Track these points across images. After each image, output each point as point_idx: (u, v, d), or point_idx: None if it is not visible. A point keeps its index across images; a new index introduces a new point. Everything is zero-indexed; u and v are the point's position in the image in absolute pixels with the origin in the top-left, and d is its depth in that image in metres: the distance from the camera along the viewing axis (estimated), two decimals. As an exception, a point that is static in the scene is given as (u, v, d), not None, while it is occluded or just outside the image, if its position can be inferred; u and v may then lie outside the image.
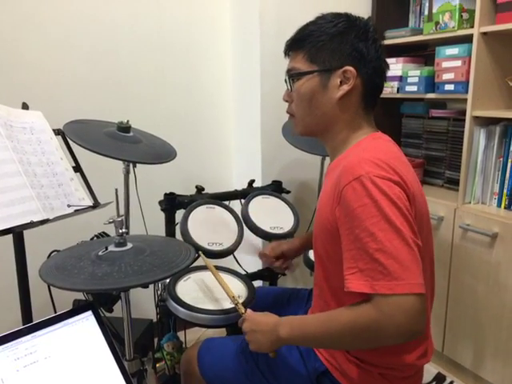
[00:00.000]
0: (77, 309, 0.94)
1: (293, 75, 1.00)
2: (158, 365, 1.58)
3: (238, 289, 1.42)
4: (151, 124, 1.72)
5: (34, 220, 1.03)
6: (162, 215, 1.73)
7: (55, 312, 1.34)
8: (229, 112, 2.22)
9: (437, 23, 1.81)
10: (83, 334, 0.93)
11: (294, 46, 1.00)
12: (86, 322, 0.94)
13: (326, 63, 0.95)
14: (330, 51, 0.95)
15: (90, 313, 0.96)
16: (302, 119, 1.03)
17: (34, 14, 1.74)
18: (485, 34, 1.64)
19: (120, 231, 1.06)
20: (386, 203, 0.80)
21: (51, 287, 1.27)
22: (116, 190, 1.07)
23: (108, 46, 1.90)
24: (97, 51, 1.88)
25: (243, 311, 1.06)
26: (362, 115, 0.99)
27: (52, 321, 0.90)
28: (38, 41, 1.77)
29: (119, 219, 1.06)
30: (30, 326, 0.87)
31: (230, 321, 1.26)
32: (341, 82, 0.95)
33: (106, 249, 1.05)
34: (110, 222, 1.07)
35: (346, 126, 0.99)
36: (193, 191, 1.77)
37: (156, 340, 1.82)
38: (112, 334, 1.01)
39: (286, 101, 1.06)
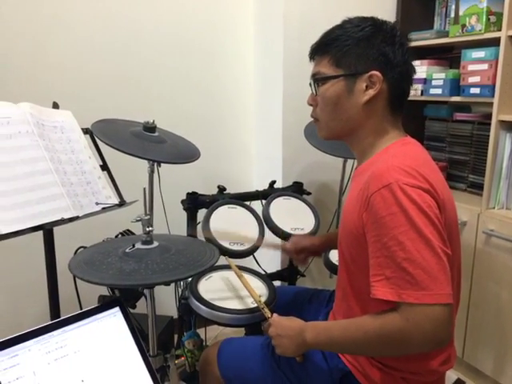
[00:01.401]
0: (105, 305, 0.97)
1: (318, 79, 0.99)
2: (176, 361, 1.60)
3: (259, 289, 1.43)
4: (174, 124, 1.74)
5: (65, 217, 1.06)
6: (184, 214, 1.76)
7: (80, 306, 1.37)
8: (250, 113, 2.23)
9: (463, 26, 1.79)
10: (111, 329, 0.95)
11: (320, 50, 1.00)
12: (114, 317, 0.96)
13: (352, 68, 0.95)
14: (356, 55, 0.94)
15: (117, 309, 0.98)
16: (326, 124, 1.03)
17: (59, 16, 1.78)
18: (513, 37, 1.62)
19: (147, 229, 1.08)
20: (416, 212, 0.80)
21: (77, 283, 1.31)
22: (144, 189, 1.09)
23: (133, 47, 1.93)
24: (122, 52, 1.91)
25: (269, 315, 1.07)
26: (389, 120, 0.98)
27: (82, 316, 0.92)
28: (65, 42, 1.81)
29: (146, 218, 1.08)
30: (60, 320, 0.90)
31: (251, 320, 1.27)
32: (366, 87, 0.94)
33: (133, 246, 1.07)
34: (137, 221, 1.09)
35: (372, 130, 0.98)
36: (214, 191, 1.79)
37: (176, 336, 1.85)
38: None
39: (311, 105, 1.05)
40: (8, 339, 0.83)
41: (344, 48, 0.94)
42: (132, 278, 0.94)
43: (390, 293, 0.80)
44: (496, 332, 1.70)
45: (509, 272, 1.64)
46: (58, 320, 0.90)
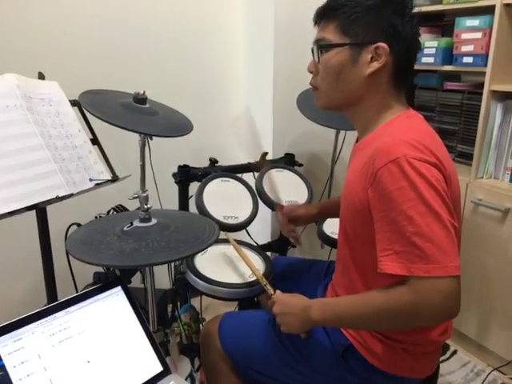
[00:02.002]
0: (107, 284, 0.95)
1: (322, 46, 0.95)
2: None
3: (255, 262, 1.44)
4: (162, 94, 1.67)
5: (59, 195, 1.02)
6: (175, 187, 1.73)
7: (75, 284, 1.36)
8: (240, 83, 2.18)
9: (457, -8, 1.76)
10: (114, 308, 0.94)
11: (326, 15, 0.95)
12: (116, 297, 0.95)
13: (359, 37, 0.91)
14: (364, 24, 0.90)
15: (119, 288, 0.96)
16: (326, 93, 0.99)
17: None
18: (507, 5, 1.60)
19: (145, 207, 1.05)
20: (424, 186, 0.79)
21: (70, 259, 1.28)
22: (141, 165, 1.06)
23: (121, 15, 1.84)
24: (109, 20, 1.82)
25: (272, 292, 1.07)
26: (392, 93, 0.96)
27: (84, 296, 0.91)
28: (49, 7, 1.70)
29: (144, 194, 1.05)
30: (63, 301, 0.88)
31: (248, 294, 1.28)
32: (371, 59, 0.91)
33: (131, 224, 1.05)
34: (134, 198, 1.06)
35: (375, 103, 0.96)
36: (203, 163, 1.76)
37: (169, 308, 1.86)
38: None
39: (311, 72, 1.01)
40: (11, 322, 0.81)
41: (352, 15, 0.90)
42: (134, 259, 0.92)
43: (399, 267, 0.80)
44: (481, 298, 1.77)
45: (495, 240, 1.68)
46: (60, 301, 0.88)
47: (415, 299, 0.80)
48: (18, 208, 0.94)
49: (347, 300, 0.94)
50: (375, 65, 0.91)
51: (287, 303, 0.99)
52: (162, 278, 1.86)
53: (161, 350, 0.95)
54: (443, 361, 1.81)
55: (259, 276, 1.14)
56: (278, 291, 1.05)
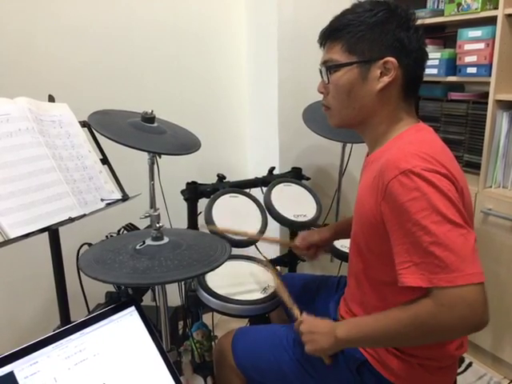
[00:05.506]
0: (121, 304, 0.95)
1: (330, 67, 0.96)
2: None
3: (266, 277, 1.43)
4: (168, 112, 1.68)
5: (72, 216, 1.02)
6: (183, 204, 1.73)
7: (87, 304, 1.35)
8: (245, 99, 2.19)
9: (459, 4, 1.78)
10: (128, 329, 0.93)
11: (331, 36, 0.96)
12: (130, 317, 0.95)
13: (366, 54, 0.92)
14: (370, 42, 0.91)
15: (133, 308, 0.96)
16: (339, 112, 1.00)
17: (47, 4, 1.69)
18: (509, 15, 1.61)
19: (157, 225, 1.05)
20: (436, 195, 0.79)
21: (82, 278, 1.28)
22: (151, 184, 1.06)
23: (125, 35, 1.86)
24: (114, 41, 1.84)
25: (299, 313, 1.06)
26: (403, 106, 0.96)
27: (98, 317, 0.90)
28: (54, 30, 1.72)
29: (156, 213, 1.05)
30: (77, 323, 0.88)
31: (261, 311, 1.28)
32: (381, 74, 0.92)
33: (144, 243, 1.05)
34: (146, 217, 1.07)
35: (386, 118, 0.96)
36: (210, 179, 1.76)
37: (179, 325, 1.84)
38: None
39: (321, 92, 1.03)
40: (26, 346, 0.81)
41: (357, 34, 0.91)
42: (148, 277, 0.92)
43: (421, 279, 0.79)
44: (495, 308, 1.74)
45: (507, 250, 1.67)
46: (75, 323, 0.87)
47: (440, 310, 0.78)
48: (31, 231, 0.94)
49: (372, 317, 0.92)
50: (385, 79, 0.92)
51: (315, 323, 0.98)
52: (173, 294, 1.85)
53: (175, 370, 0.94)
54: (459, 373, 1.78)
55: (287, 298, 1.13)
56: (304, 313, 1.04)
